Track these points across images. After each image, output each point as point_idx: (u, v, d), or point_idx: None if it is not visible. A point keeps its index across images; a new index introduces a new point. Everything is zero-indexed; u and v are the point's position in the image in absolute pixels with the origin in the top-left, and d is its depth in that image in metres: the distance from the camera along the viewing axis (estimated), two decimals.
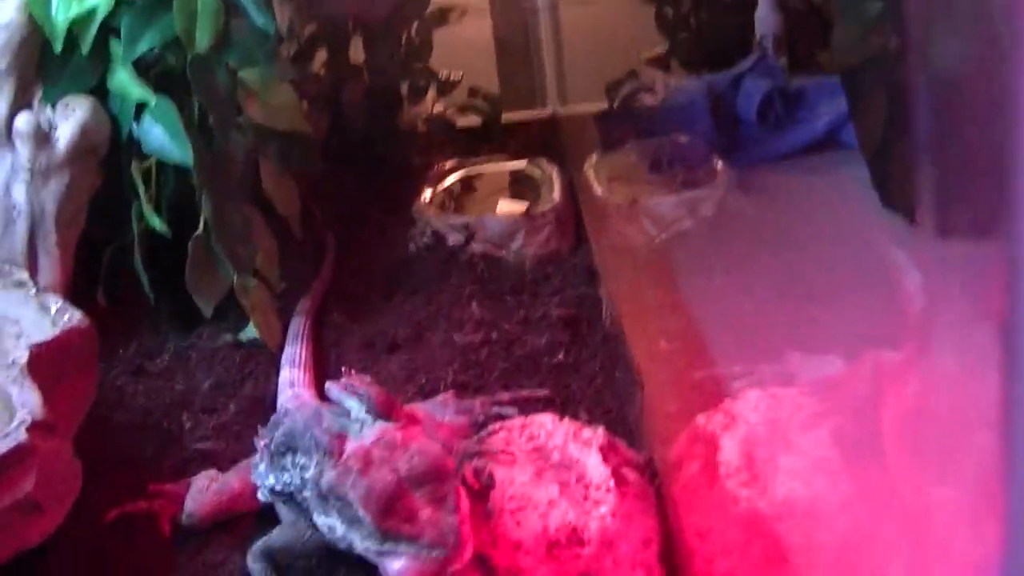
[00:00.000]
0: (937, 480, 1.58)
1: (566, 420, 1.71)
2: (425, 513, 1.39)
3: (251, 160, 2.17)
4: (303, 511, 1.54)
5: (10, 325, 1.72)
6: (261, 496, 1.62)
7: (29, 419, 1.57)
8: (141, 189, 2.08)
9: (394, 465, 1.41)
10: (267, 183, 2.20)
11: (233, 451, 1.87)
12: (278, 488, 1.56)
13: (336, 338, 2.18)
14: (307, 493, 1.50)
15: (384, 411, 1.50)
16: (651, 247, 2.45)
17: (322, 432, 1.50)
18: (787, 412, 1.72)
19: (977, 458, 1.67)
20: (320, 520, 1.47)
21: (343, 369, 1.65)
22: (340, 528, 1.44)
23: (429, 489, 1.40)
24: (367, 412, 1.50)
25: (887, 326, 2.00)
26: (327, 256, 2.38)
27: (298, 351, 2.04)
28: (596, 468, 1.61)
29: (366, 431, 1.49)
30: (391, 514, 1.38)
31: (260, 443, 1.63)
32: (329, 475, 1.44)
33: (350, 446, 1.47)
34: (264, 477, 1.59)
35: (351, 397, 1.54)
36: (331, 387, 1.59)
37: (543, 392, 1.96)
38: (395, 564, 1.39)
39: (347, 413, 1.53)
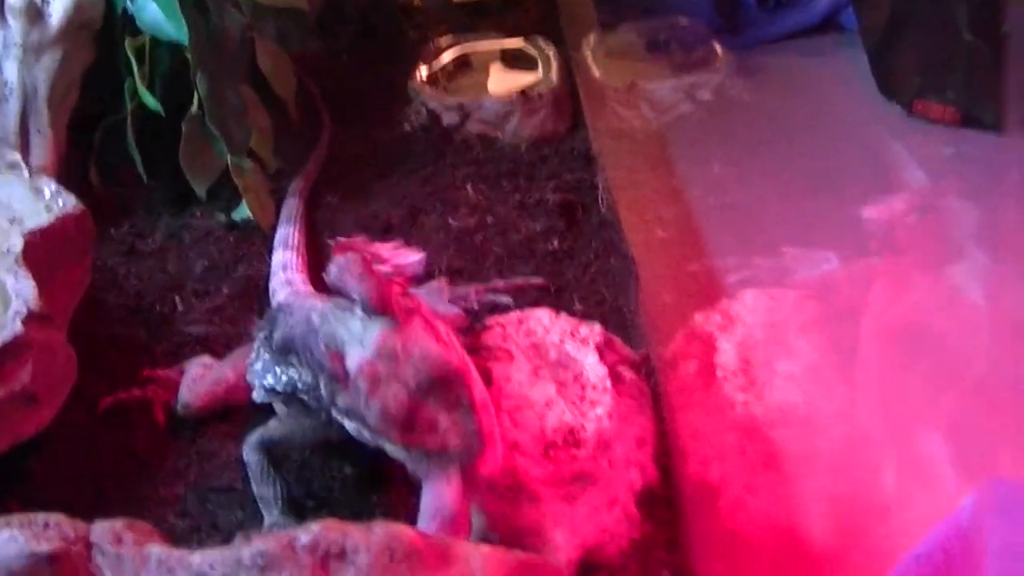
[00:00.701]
0: (934, 388, 1.59)
1: (563, 316, 1.70)
2: (444, 420, 1.36)
3: (247, 38, 2.13)
4: (306, 409, 1.52)
5: (3, 210, 1.70)
6: (257, 396, 1.59)
7: (25, 310, 1.56)
8: (135, 66, 2.04)
9: (402, 378, 1.37)
10: (263, 61, 2.17)
11: (227, 334, 1.86)
12: (279, 388, 1.54)
13: (330, 219, 2.15)
14: (324, 393, 1.46)
15: (380, 307, 1.45)
16: (649, 131, 2.43)
17: (320, 353, 1.45)
18: (785, 314, 1.72)
19: (976, 363, 1.68)
20: (344, 421, 1.45)
21: (333, 240, 1.61)
22: (366, 433, 1.42)
23: (441, 394, 1.38)
24: (363, 310, 1.46)
25: (884, 221, 1.99)
26: (322, 136, 2.35)
27: (291, 233, 2.01)
28: (593, 367, 1.61)
29: (366, 338, 1.42)
30: (412, 430, 1.36)
31: (258, 336, 1.60)
32: (342, 396, 1.41)
33: (353, 362, 1.41)
34: (261, 376, 1.57)
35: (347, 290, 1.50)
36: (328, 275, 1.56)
37: (538, 280, 1.94)
38: (429, 476, 1.37)
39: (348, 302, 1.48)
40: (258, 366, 1.58)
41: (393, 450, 1.40)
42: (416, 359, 1.38)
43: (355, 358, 1.41)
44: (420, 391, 1.36)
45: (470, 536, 1.37)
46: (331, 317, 1.49)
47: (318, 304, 1.56)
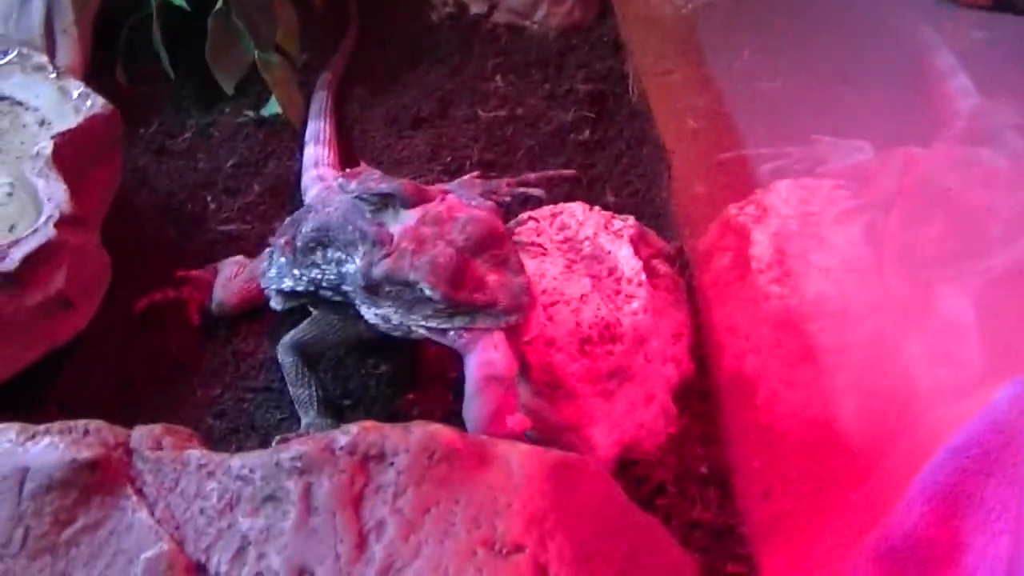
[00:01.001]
0: (968, 277, 1.58)
1: (596, 209, 1.70)
2: (492, 279, 1.35)
3: None
4: (334, 307, 1.52)
5: (31, 113, 1.70)
6: (275, 304, 1.58)
7: (57, 213, 1.56)
8: None
9: (449, 238, 1.37)
10: None
11: (259, 232, 1.87)
12: (300, 288, 1.53)
13: (359, 113, 2.14)
14: (348, 287, 1.46)
15: (417, 197, 1.45)
16: (678, 18, 2.39)
17: (366, 222, 1.44)
18: (819, 206, 1.70)
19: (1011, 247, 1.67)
20: (369, 312, 1.44)
21: (343, 173, 1.61)
22: (396, 316, 1.41)
23: (490, 254, 1.37)
24: (401, 206, 1.45)
25: (919, 111, 1.97)
26: (349, 28, 2.32)
27: (321, 127, 2.00)
28: (627, 261, 1.60)
29: (404, 215, 1.44)
30: (460, 285, 1.34)
31: (279, 240, 1.58)
32: (384, 263, 1.39)
33: (395, 229, 1.41)
34: (278, 280, 1.56)
35: (375, 196, 1.50)
36: (348, 184, 1.56)
37: (569, 172, 1.94)
38: (480, 357, 1.35)
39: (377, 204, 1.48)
40: (272, 272, 1.57)
41: (430, 324, 1.38)
42: (462, 220, 1.38)
43: (398, 227, 1.41)
44: (468, 249, 1.36)
45: (519, 395, 1.37)
46: (370, 201, 1.48)
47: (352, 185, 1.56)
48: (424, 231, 1.38)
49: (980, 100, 1.92)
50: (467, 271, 1.35)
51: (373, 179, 1.52)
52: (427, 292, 1.35)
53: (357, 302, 1.45)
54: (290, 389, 1.54)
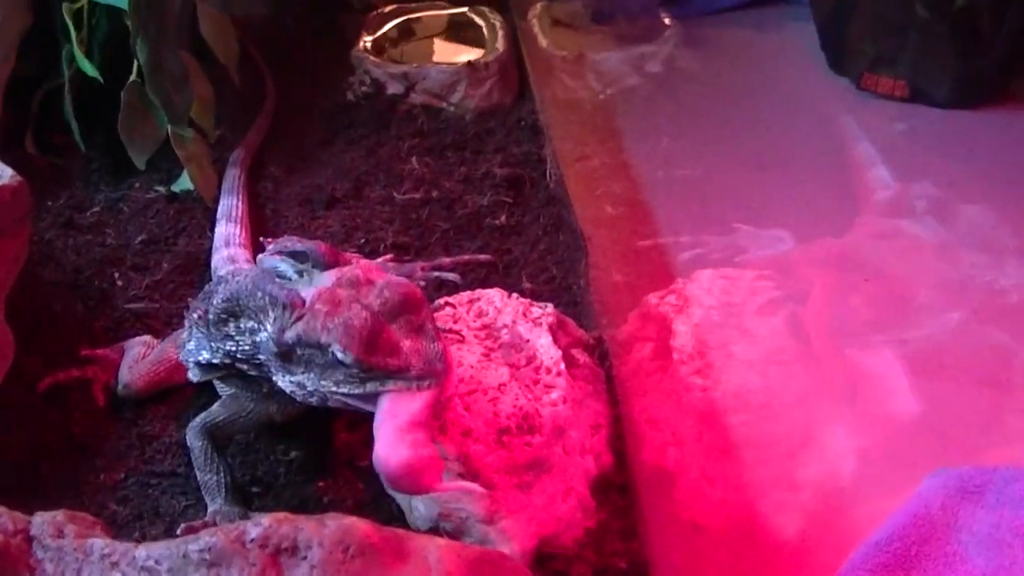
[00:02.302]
0: (892, 370, 1.58)
1: (515, 296, 1.67)
2: (407, 344, 1.32)
3: (189, 3, 2.08)
4: (249, 381, 1.48)
5: None
6: (192, 376, 1.54)
7: None
8: (73, 32, 1.99)
9: (365, 301, 1.33)
10: (205, 27, 2.12)
11: (167, 311, 1.82)
12: (216, 360, 1.48)
13: (273, 191, 2.12)
14: (262, 356, 1.41)
15: (332, 260, 1.45)
16: (596, 103, 2.41)
17: (277, 287, 1.40)
18: (741, 296, 1.70)
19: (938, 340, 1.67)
20: (284, 380, 1.40)
21: (263, 240, 1.57)
22: (311, 382, 1.37)
23: (405, 319, 1.33)
24: (314, 266, 1.44)
25: (838, 199, 1.98)
26: (266, 104, 2.30)
27: (234, 204, 1.97)
28: (546, 349, 1.57)
29: (319, 278, 1.41)
30: (375, 349, 1.31)
31: (193, 315, 1.53)
32: (296, 326, 1.35)
33: (308, 294, 1.37)
34: (195, 353, 1.51)
35: (289, 259, 1.47)
36: (264, 257, 1.53)
37: (485, 257, 1.91)
38: (395, 397, 1.31)
39: (292, 268, 1.47)
40: (191, 344, 1.52)
41: (343, 390, 1.34)
42: (379, 284, 1.35)
43: (311, 291, 1.37)
44: (384, 314, 1.32)
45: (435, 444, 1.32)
46: (282, 266, 1.48)
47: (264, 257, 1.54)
48: (339, 293, 1.35)
49: (899, 186, 1.94)
50: (382, 335, 1.31)
51: (291, 241, 1.49)
52: (339, 355, 1.31)
53: (272, 371, 1.41)
54: (198, 474, 1.49)
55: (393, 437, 1.28)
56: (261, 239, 1.56)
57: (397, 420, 1.29)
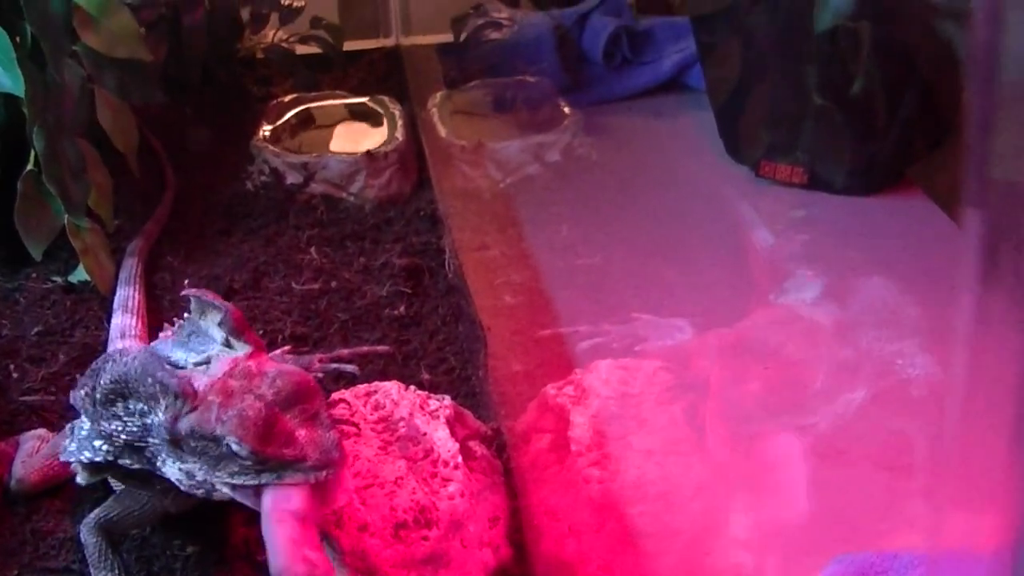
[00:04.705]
0: (791, 462, 1.58)
1: (412, 389, 1.66)
2: (302, 434, 1.30)
3: (86, 90, 2.06)
4: (137, 477, 1.44)
5: None
6: (80, 479, 1.50)
7: None
8: None
9: (258, 392, 1.32)
10: (103, 115, 2.10)
11: (63, 403, 1.79)
12: (99, 459, 1.43)
13: (171, 281, 2.10)
14: (153, 440, 1.38)
15: (240, 329, 1.41)
16: (496, 192, 2.41)
17: (168, 374, 1.36)
18: (639, 387, 1.69)
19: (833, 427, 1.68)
20: (172, 469, 1.38)
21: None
22: (201, 472, 1.35)
23: (299, 409, 1.32)
24: (220, 326, 1.42)
25: (737, 287, 1.99)
26: (165, 194, 2.29)
27: (130, 295, 1.95)
28: (444, 442, 1.56)
29: (213, 367, 1.38)
30: (269, 440, 1.29)
31: (80, 392, 1.47)
32: (189, 417, 1.33)
33: (200, 383, 1.35)
34: (78, 453, 1.46)
35: (185, 345, 1.45)
36: (157, 343, 1.50)
37: (384, 348, 1.91)
38: (278, 493, 1.30)
39: (175, 359, 1.43)
40: (72, 446, 1.48)
41: (235, 481, 1.32)
42: (272, 374, 1.34)
43: (204, 380, 1.36)
44: (278, 403, 1.31)
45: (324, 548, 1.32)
46: (174, 347, 1.44)
47: (157, 344, 1.50)
48: (231, 384, 1.34)
49: (798, 271, 1.95)
50: (276, 425, 1.30)
51: (207, 294, 1.47)
52: (234, 447, 1.29)
53: (160, 459, 1.39)
54: (91, 571, 1.47)
55: (287, 548, 1.26)
56: (171, 297, 1.53)
57: (277, 507, 1.29)
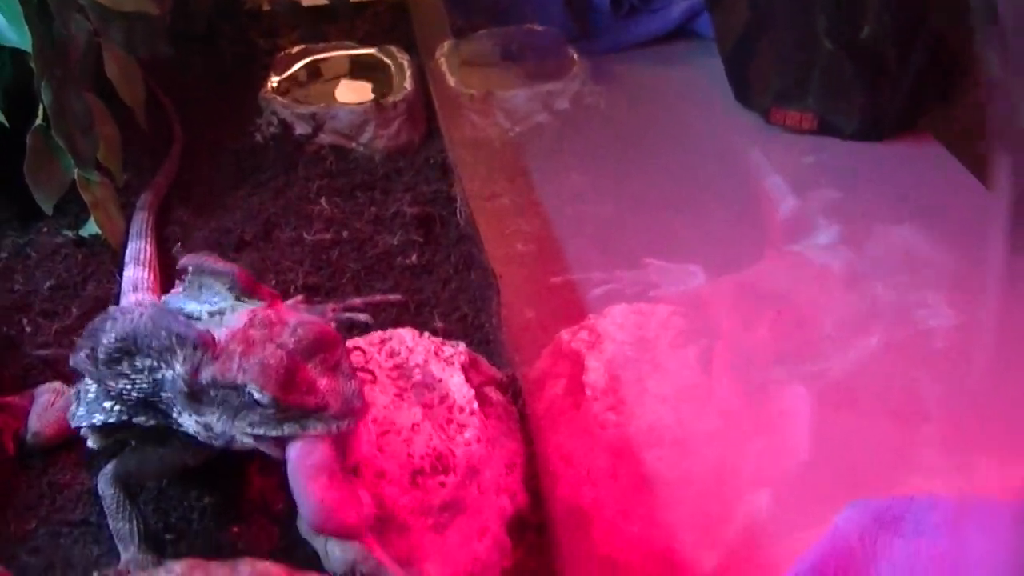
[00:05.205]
0: (804, 403, 1.58)
1: (426, 335, 1.66)
2: (323, 383, 1.29)
3: (93, 44, 2.04)
4: (152, 434, 1.44)
5: None
6: (92, 443, 1.50)
7: None
8: None
9: (279, 341, 1.30)
10: (111, 69, 2.09)
11: (71, 348, 1.78)
12: (112, 420, 1.42)
13: (181, 234, 2.08)
14: (166, 395, 1.37)
15: (249, 289, 1.39)
16: (505, 141, 2.40)
17: (185, 325, 1.34)
18: (654, 331, 1.69)
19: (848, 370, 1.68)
20: (189, 421, 1.36)
21: (175, 251, 1.51)
22: (220, 423, 1.34)
23: (321, 358, 1.31)
24: (230, 290, 1.40)
25: (748, 234, 1.99)
26: (173, 147, 2.28)
27: (142, 248, 1.94)
28: (459, 389, 1.56)
29: (229, 318, 1.37)
30: (291, 388, 1.28)
31: (80, 354, 1.45)
32: (210, 367, 1.31)
33: (219, 333, 1.33)
34: (88, 417, 1.46)
35: (198, 296, 1.43)
36: (169, 297, 1.48)
37: (396, 297, 1.90)
38: (302, 449, 1.29)
39: (190, 311, 1.41)
40: (81, 410, 1.47)
41: (256, 432, 1.32)
42: (292, 324, 1.32)
43: (222, 331, 1.34)
44: (298, 352, 1.30)
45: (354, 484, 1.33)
46: (186, 300, 1.43)
47: (168, 298, 1.49)
48: (252, 334, 1.32)
49: (809, 218, 1.95)
50: (298, 374, 1.29)
51: (209, 259, 1.45)
52: (256, 395, 1.28)
53: (175, 412, 1.37)
54: (110, 523, 1.45)
55: (322, 504, 1.27)
56: (174, 251, 1.51)
57: (316, 481, 1.28)
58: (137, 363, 1.38)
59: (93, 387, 1.47)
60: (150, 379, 1.38)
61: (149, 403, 1.40)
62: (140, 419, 1.41)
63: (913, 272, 1.84)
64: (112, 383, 1.40)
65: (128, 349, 1.39)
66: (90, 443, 1.50)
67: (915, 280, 1.80)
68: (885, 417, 1.62)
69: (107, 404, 1.43)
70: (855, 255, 1.87)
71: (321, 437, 1.30)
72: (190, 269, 1.46)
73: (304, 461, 1.29)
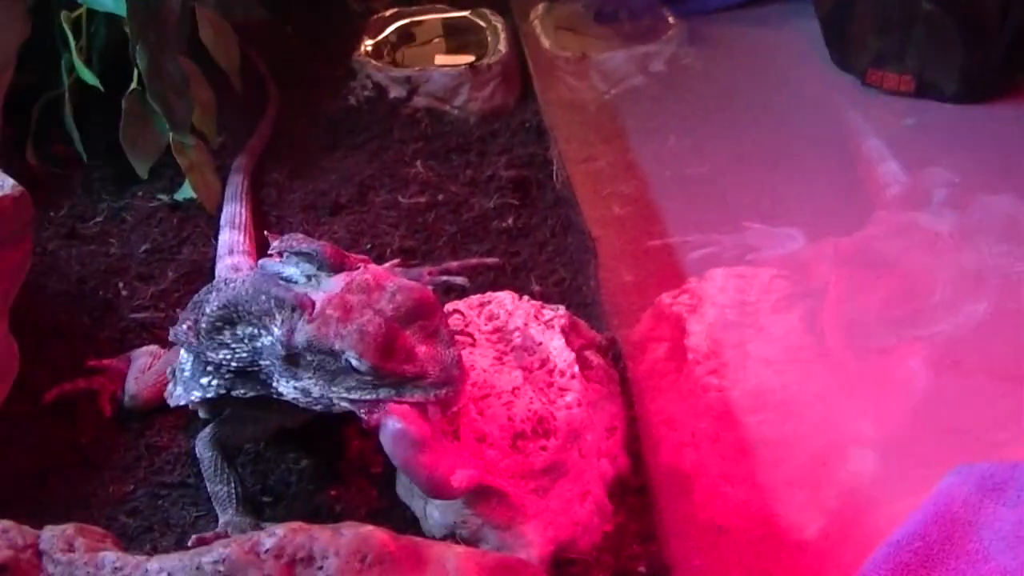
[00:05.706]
0: (908, 366, 1.56)
1: (526, 299, 1.64)
2: (422, 350, 1.28)
3: (188, 8, 2.07)
4: (252, 404, 1.43)
5: None
6: (202, 414, 1.53)
7: None
8: (72, 40, 1.97)
9: (377, 307, 1.29)
10: (204, 32, 2.10)
11: (173, 320, 1.77)
12: (211, 395, 1.43)
13: (276, 198, 2.10)
14: (264, 362, 1.37)
15: (338, 263, 1.37)
16: (601, 104, 2.39)
17: (283, 290, 1.34)
18: (755, 295, 1.68)
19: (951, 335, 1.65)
20: (287, 387, 1.36)
21: (267, 234, 1.52)
22: (317, 387, 1.33)
23: (419, 325, 1.29)
24: (319, 269, 1.37)
25: (848, 197, 1.96)
26: (268, 110, 2.28)
27: (237, 211, 1.94)
28: (560, 352, 1.55)
29: (327, 283, 1.35)
30: (389, 356, 1.27)
31: (181, 327, 1.48)
32: (306, 329, 1.30)
33: (317, 297, 1.32)
34: (186, 395, 1.47)
35: (295, 261, 1.42)
36: (265, 262, 1.47)
37: (493, 260, 1.89)
38: (397, 430, 1.27)
39: (288, 275, 1.39)
40: (179, 390, 1.49)
41: (354, 396, 1.31)
42: (390, 289, 1.31)
43: (320, 295, 1.33)
44: (397, 319, 1.28)
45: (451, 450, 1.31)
46: (284, 265, 1.40)
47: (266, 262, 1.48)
48: (350, 299, 1.30)
49: (911, 180, 1.92)
50: (397, 341, 1.27)
51: (296, 239, 1.44)
52: (354, 362, 1.27)
53: (275, 378, 1.36)
54: (208, 485, 1.47)
55: (406, 467, 1.28)
56: (266, 233, 1.50)
57: (421, 456, 1.27)
58: (238, 331, 1.38)
59: (188, 365, 1.48)
60: (249, 347, 1.38)
61: (248, 373, 1.40)
62: (239, 391, 1.42)
63: (1020, 231, 1.81)
64: (213, 354, 1.41)
65: (230, 318, 1.39)
66: (201, 414, 1.53)
67: (1022, 239, 1.78)
68: (992, 382, 1.59)
69: (204, 380, 1.44)
70: (962, 219, 1.84)
71: (419, 405, 1.29)
72: (284, 236, 1.45)
73: (403, 436, 1.27)
